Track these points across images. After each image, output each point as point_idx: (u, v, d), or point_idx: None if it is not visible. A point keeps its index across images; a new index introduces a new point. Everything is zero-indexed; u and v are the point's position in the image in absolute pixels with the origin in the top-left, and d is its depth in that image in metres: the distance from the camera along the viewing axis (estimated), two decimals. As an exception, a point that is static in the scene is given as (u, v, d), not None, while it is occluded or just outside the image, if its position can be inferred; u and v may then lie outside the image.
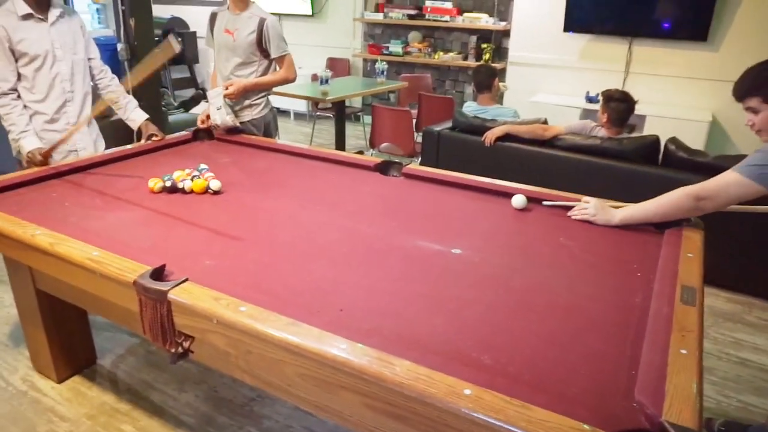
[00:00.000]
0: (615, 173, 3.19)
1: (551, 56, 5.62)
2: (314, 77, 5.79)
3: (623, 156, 3.21)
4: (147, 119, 2.76)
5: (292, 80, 3.00)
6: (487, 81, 3.78)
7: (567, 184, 2.38)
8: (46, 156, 2.42)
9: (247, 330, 1.26)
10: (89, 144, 2.72)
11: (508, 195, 2.16)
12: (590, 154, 3.30)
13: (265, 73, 2.97)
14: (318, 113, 5.86)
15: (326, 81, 4.67)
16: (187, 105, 5.90)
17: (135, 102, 2.80)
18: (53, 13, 2.51)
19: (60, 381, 2.29)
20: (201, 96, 6.14)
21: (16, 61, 2.45)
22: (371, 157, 2.59)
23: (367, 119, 6.02)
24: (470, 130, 3.70)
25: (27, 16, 2.44)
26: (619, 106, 3.27)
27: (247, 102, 2.95)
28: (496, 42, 5.97)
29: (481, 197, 2.20)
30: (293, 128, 6.92)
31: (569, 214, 2.01)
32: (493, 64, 5.34)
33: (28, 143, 2.46)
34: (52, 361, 2.25)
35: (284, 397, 1.44)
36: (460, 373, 1.12)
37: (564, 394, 1.12)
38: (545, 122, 3.58)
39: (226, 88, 2.84)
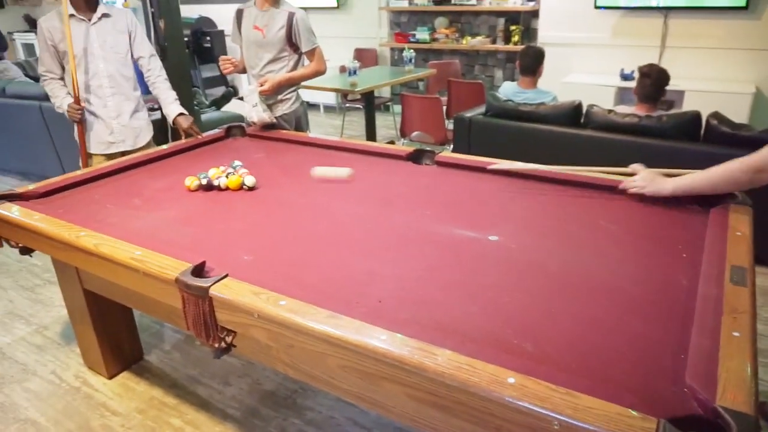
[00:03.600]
0: (655, 151, 3.10)
1: (582, 35, 5.48)
2: (342, 69, 5.78)
3: (663, 133, 3.11)
4: (180, 113, 2.83)
5: (323, 72, 3.01)
6: (534, 64, 3.69)
7: (603, 164, 2.32)
8: (76, 102, 2.69)
9: (288, 323, 1.27)
10: (129, 137, 2.89)
11: (544, 180, 2.13)
12: (627, 133, 3.21)
13: (295, 67, 2.98)
14: (347, 105, 5.86)
15: (354, 72, 4.67)
16: (219, 103, 5.97)
17: (173, 96, 2.89)
18: (97, 13, 2.68)
19: (110, 377, 2.37)
20: (231, 94, 6.21)
21: (62, 58, 2.70)
22: (403, 147, 2.58)
23: (397, 108, 5.98)
24: (503, 115, 3.64)
25: (69, 17, 2.64)
26: (643, 81, 3.17)
27: (278, 97, 2.96)
28: (525, 23, 5.85)
29: (517, 182, 2.17)
30: (323, 121, 6.94)
31: (621, 187, 1.96)
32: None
33: (63, 103, 2.74)
34: (102, 357, 2.32)
35: (327, 389, 1.46)
36: (502, 361, 1.10)
37: (610, 380, 1.09)
38: (579, 106, 3.46)
39: (261, 85, 2.86)
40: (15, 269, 3.34)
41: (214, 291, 1.39)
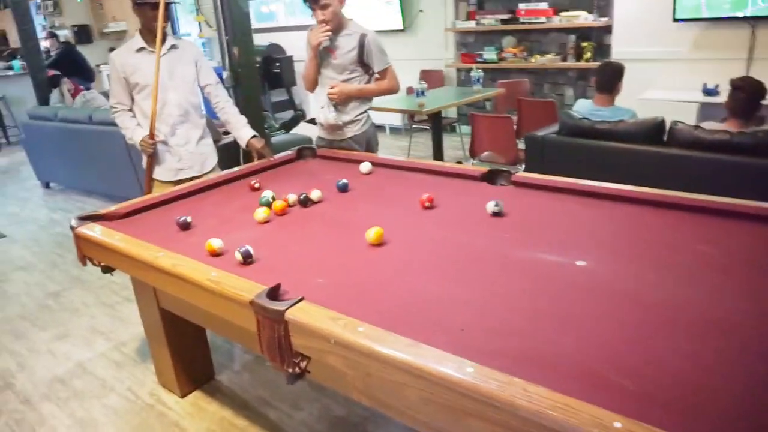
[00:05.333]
0: (748, 170, 2.86)
1: (660, 49, 5.24)
2: (410, 90, 5.78)
3: (759, 151, 2.87)
4: (253, 136, 2.88)
5: (396, 90, 3.03)
6: (612, 81, 3.54)
7: (688, 185, 2.14)
8: (151, 137, 2.77)
9: (366, 351, 1.21)
10: (196, 163, 2.95)
11: (630, 200, 1.99)
12: (717, 151, 2.98)
13: None
14: (414, 126, 5.84)
15: (422, 93, 4.64)
16: (288, 126, 6.11)
17: (244, 120, 2.94)
18: (165, 45, 2.74)
19: (183, 395, 2.38)
20: (300, 117, 6.34)
21: (132, 89, 2.79)
22: (476, 167, 2.50)
23: (464, 129, 5.91)
24: (579, 133, 3.49)
25: (140, 50, 2.76)
26: (736, 94, 2.95)
27: (348, 118, 2.96)
28: (597, 39, 5.66)
29: (601, 204, 2.04)
30: (389, 143, 6.95)
31: None
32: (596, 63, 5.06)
33: (137, 135, 2.80)
34: (175, 376, 2.35)
35: (405, 421, 1.38)
36: (602, 401, 0.99)
37: (728, 429, 0.96)
38: (662, 123, 3.28)
39: (331, 88, 2.88)
40: (97, 286, 3.47)
41: (289, 315, 1.35)
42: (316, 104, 2.95)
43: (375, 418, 2.17)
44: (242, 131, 2.90)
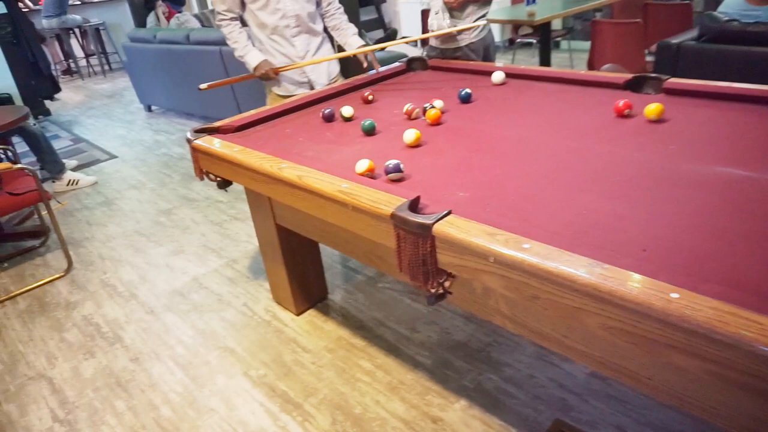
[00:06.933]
0: None
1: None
2: None
3: None
4: (360, 45, 2.68)
5: None
6: None
7: None
8: (276, 72, 2.63)
9: (536, 271, 1.04)
10: (322, 76, 2.79)
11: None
12: None
13: None
14: (519, 40, 5.39)
15: (533, 0, 4.20)
16: (384, 42, 5.83)
17: (353, 29, 2.75)
18: None
19: (298, 313, 2.37)
20: (394, 34, 6.04)
21: (246, 2, 2.61)
22: (619, 74, 2.19)
23: (573, 44, 5.42)
24: (725, 39, 3.01)
25: None
26: None
27: (463, 24, 2.69)
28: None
29: (780, 112, 1.71)
30: (485, 61, 6.52)
31: None
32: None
33: (252, 58, 2.64)
34: (291, 294, 2.32)
35: (561, 350, 1.23)
36: None
37: None
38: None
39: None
40: (203, 205, 3.52)
41: (438, 229, 1.21)
42: (432, 11, 2.68)
43: (498, 345, 2.06)
44: (351, 39, 2.71)
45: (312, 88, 2.74)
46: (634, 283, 0.94)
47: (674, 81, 1.99)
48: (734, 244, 1.10)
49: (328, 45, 2.82)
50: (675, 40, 3.26)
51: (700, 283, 0.95)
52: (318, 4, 2.72)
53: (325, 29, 2.79)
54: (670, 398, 1.07)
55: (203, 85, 2.49)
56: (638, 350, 0.99)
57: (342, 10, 2.79)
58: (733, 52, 2.99)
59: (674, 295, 0.91)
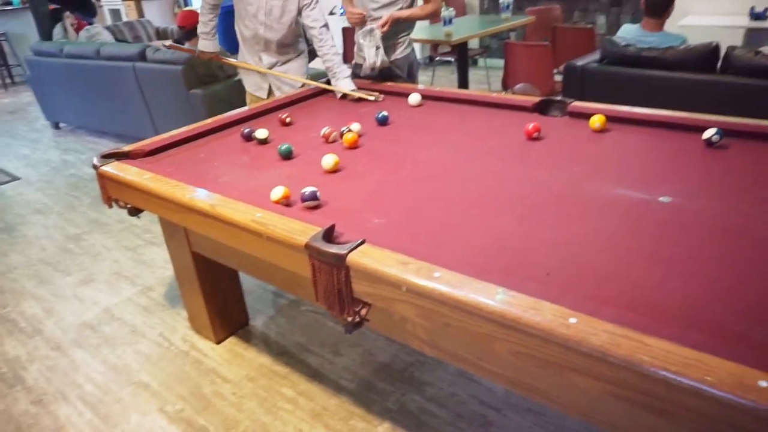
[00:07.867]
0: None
1: (703, -30, 4.85)
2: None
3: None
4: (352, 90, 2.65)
5: (439, 12, 2.87)
6: (665, 4, 3.24)
7: (746, 112, 1.95)
8: (211, 59, 2.99)
9: (446, 300, 1.07)
10: (284, 87, 2.89)
11: (701, 129, 1.80)
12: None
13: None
14: (438, 58, 5.53)
15: (450, 21, 4.34)
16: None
17: (346, 72, 2.68)
18: None
19: (218, 342, 2.29)
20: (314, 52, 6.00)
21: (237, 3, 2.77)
22: (527, 97, 2.29)
23: (489, 62, 5.61)
24: (623, 62, 3.23)
25: None
26: None
27: (389, 41, 2.75)
28: (634, -39, 5.25)
29: (670, 135, 1.85)
30: (407, 78, 6.64)
31: None
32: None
33: (203, 45, 2.90)
34: (210, 322, 2.25)
35: (477, 372, 1.26)
36: (737, 357, 0.86)
37: None
38: (716, 49, 3.01)
39: (382, 26, 2.66)
40: (116, 230, 3.35)
41: (352, 259, 1.21)
42: (365, 47, 2.68)
43: (420, 364, 2.08)
44: (341, 82, 2.68)
45: (270, 94, 2.88)
46: (536, 310, 0.98)
47: (577, 104, 2.11)
48: (632, 264, 1.18)
49: (301, 62, 2.90)
50: (580, 62, 3.46)
51: (600, 305, 1.00)
52: (302, 35, 2.86)
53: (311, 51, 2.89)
54: (579, 414, 1.12)
55: (166, 42, 3.07)
56: (545, 372, 1.03)
57: (330, 43, 2.69)
58: (631, 74, 3.21)
59: (573, 320, 0.95)
